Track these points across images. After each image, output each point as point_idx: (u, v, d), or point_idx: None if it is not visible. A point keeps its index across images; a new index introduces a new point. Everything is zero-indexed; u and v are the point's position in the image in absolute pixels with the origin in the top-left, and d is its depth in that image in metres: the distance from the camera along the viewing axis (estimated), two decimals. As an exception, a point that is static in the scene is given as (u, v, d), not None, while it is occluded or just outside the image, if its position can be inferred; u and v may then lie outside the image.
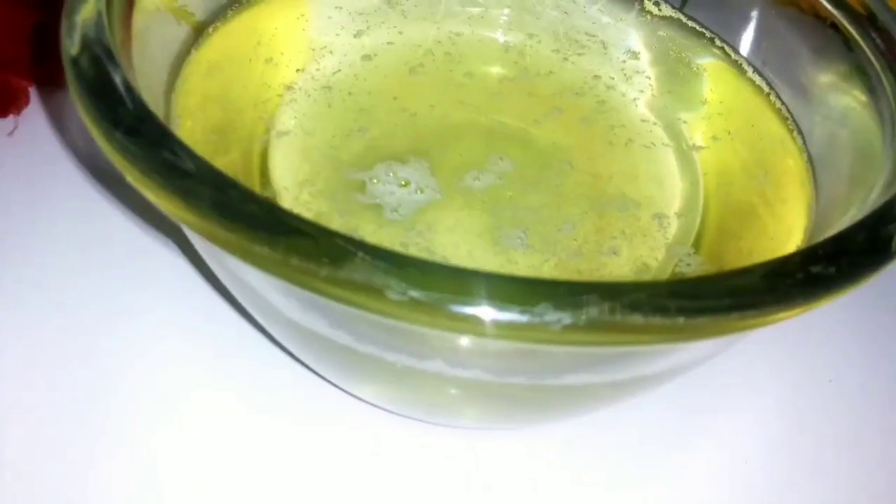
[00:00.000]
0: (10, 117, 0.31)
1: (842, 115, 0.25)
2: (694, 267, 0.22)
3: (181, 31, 0.25)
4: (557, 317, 0.13)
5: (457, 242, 0.22)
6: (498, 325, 0.13)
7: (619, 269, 0.22)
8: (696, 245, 0.23)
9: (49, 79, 0.31)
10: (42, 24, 0.31)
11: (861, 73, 0.24)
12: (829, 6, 0.26)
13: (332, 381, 0.22)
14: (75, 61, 0.16)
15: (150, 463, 0.20)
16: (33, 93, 0.31)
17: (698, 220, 0.24)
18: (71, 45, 0.16)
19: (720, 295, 0.14)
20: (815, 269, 0.15)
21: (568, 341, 0.14)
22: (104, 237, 0.25)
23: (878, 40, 0.24)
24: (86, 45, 0.17)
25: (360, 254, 0.14)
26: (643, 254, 0.22)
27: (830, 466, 0.24)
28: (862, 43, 0.24)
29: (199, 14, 0.26)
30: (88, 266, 0.25)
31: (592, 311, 0.14)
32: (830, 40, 0.26)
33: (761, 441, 0.24)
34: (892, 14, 0.24)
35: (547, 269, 0.22)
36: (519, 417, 0.22)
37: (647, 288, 0.14)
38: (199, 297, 0.24)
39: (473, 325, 0.13)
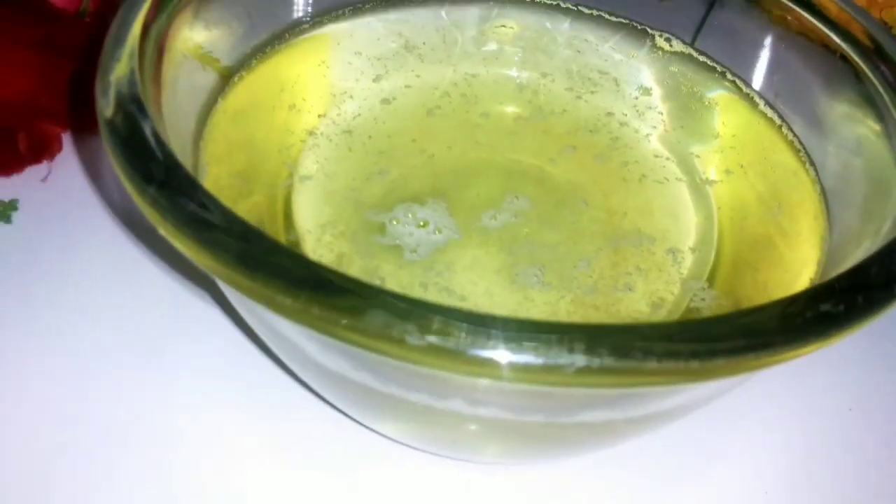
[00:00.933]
0: (44, 163, 0.32)
1: (854, 146, 0.25)
2: (709, 301, 0.23)
3: (208, 81, 0.26)
4: (571, 360, 0.14)
5: (475, 281, 0.22)
6: (513, 368, 0.14)
7: (635, 305, 0.22)
8: (711, 279, 0.23)
9: (83, 125, 0.33)
10: (78, 71, 0.32)
11: (872, 105, 0.25)
12: (837, 39, 0.26)
13: (355, 418, 0.22)
14: (110, 122, 0.17)
15: None
16: (67, 139, 0.33)
17: (713, 254, 0.24)
18: (106, 106, 0.17)
19: (733, 336, 0.15)
20: (826, 308, 0.16)
21: (582, 384, 0.14)
22: (136, 284, 0.26)
23: (887, 72, 0.24)
24: (120, 103, 0.18)
25: (378, 303, 0.14)
26: (658, 289, 0.23)
27: (851, 496, 0.24)
28: (871, 75, 0.25)
29: (224, 59, 0.27)
30: (121, 313, 0.25)
31: (606, 355, 0.14)
32: (841, 72, 0.26)
33: (781, 471, 0.24)
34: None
35: (563, 305, 0.22)
36: (538, 453, 0.23)
37: (659, 330, 0.15)
38: (231, 341, 0.24)
39: (488, 369, 0.14)
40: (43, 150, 0.32)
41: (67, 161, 0.32)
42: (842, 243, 0.23)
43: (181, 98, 0.24)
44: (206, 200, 0.16)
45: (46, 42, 0.32)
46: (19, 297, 0.26)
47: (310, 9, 0.29)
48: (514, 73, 0.30)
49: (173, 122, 0.22)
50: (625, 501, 0.23)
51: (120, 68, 0.20)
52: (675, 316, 0.22)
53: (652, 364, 0.14)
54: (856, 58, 0.26)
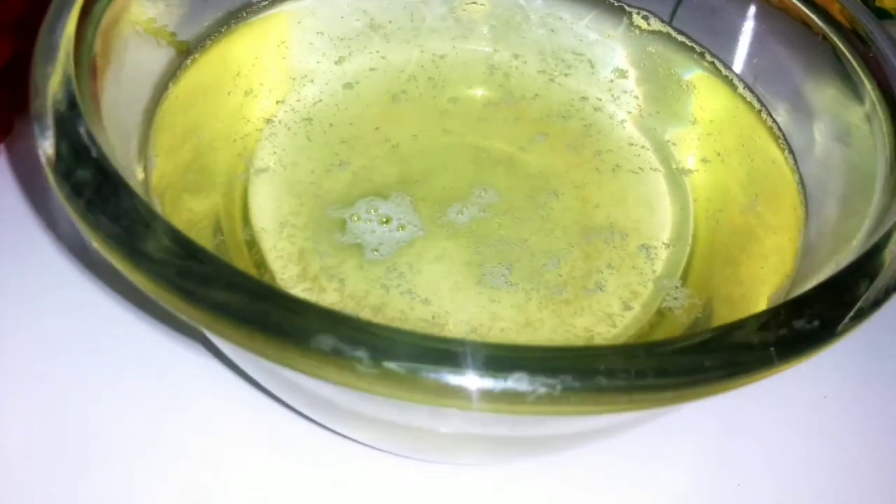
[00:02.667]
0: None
1: (835, 133, 0.24)
2: (681, 301, 0.22)
3: (158, 65, 0.25)
4: (532, 387, 0.13)
5: (439, 282, 0.21)
6: (475, 397, 0.13)
7: (605, 305, 0.22)
8: (684, 276, 0.23)
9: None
10: (19, 51, 0.30)
11: (853, 90, 0.24)
12: (817, 19, 0.25)
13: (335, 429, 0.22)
14: (60, 167, 0.15)
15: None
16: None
17: (687, 249, 0.23)
18: (47, 143, 0.15)
19: (700, 363, 0.14)
20: (790, 329, 0.15)
21: (545, 412, 0.14)
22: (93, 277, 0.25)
23: (867, 56, 0.23)
24: (55, 107, 0.17)
25: (329, 328, 0.13)
26: (630, 288, 0.22)
27: (825, 485, 0.23)
28: (851, 58, 0.24)
29: (180, 35, 0.25)
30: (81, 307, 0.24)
31: (567, 383, 0.13)
32: (822, 55, 0.25)
33: (755, 460, 0.24)
34: (881, 30, 0.23)
35: (530, 307, 0.21)
36: (508, 457, 0.22)
37: (624, 354, 0.14)
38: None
39: (449, 399, 0.13)
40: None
41: (18, 143, 0.31)
42: (820, 237, 0.22)
43: (126, 85, 0.22)
44: (142, 212, 0.15)
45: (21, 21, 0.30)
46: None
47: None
48: (484, 53, 0.28)
49: (117, 111, 0.21)
50: (610, 486, 0.22)
51: (57, 64, 0.18)
52: (647, 316, 0.22)
53: (620, 391, 0.13)
54: (836, 40, 0.25)
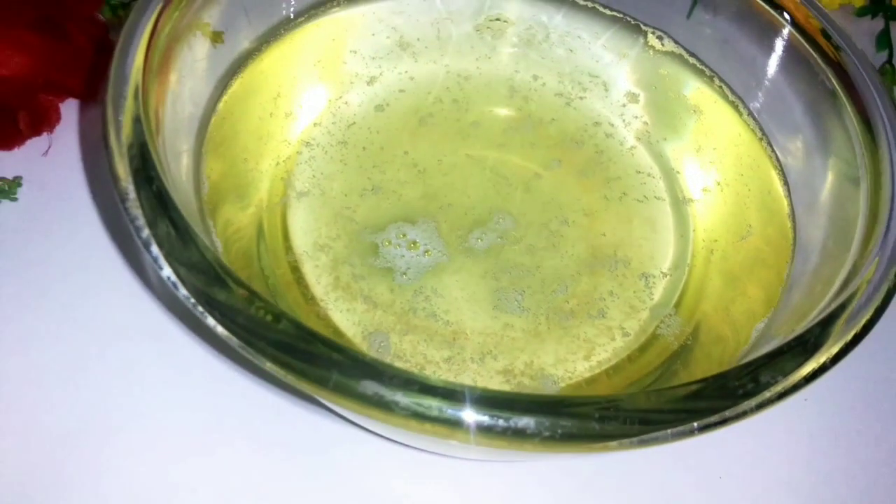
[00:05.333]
0: (44, 135, 0.33)
1: (826, 174, 0.26)
2: (673, 328, 0.25)
3: (208, 88, 0.27)
4: (532, 430, 0.16)
5: (460, 306, 0.24)
6: (480, 435, 0.16)
7: (606, 331, 0.24)
8: (677, 304, 0.25)
9: (79, 94, 0.33)
10: (75, 47, 0.32)
11: (847, 138, 0.25)
12: (822, 62, 0.27)
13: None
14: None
15: None
16: (65, 108, 0.33)
17: (683, 278, 0.26)
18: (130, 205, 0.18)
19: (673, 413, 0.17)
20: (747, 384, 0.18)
21: (544, 449, 0.17)
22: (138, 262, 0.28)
23: (858, 103, 0.25)
24: (130, 155, 0.19)
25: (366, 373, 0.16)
26: (629, 315, 0.25)
27: (803, 484, 0.26)
28: (849, 108, 0.25)
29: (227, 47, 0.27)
30: (129, 290, 0.27)
31: (561, 428, 0.16)
32: (823, 96, 0.27)
33: (736, 460, 0.26)
34: (881, 87, 0.25)
35: (541, 332, 0.24)
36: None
37: (616, 404, 0.17)
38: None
39: (463, 438, 0.16)
40: (42, 123, 0.33)
41: (66, 131, 0.33)
42: (803, 275, 0.25)
43: (181, 112, 0.25)
44: (218, 269, 0.18)
45: (45, 22, 0.32)
46: (28, 277, 0.28)
47: (306, 3, 0.30)
48: (506, 74, 0.30)
49: (175, 139, 0.24)
50: (603, 485, 0.25)
51: (127, 107, 0.21)
52: (641, 341, 0.24)
53: (610, 439, 0.16)
54: (836, 84, 0.26)
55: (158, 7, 0.23)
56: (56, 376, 0.25)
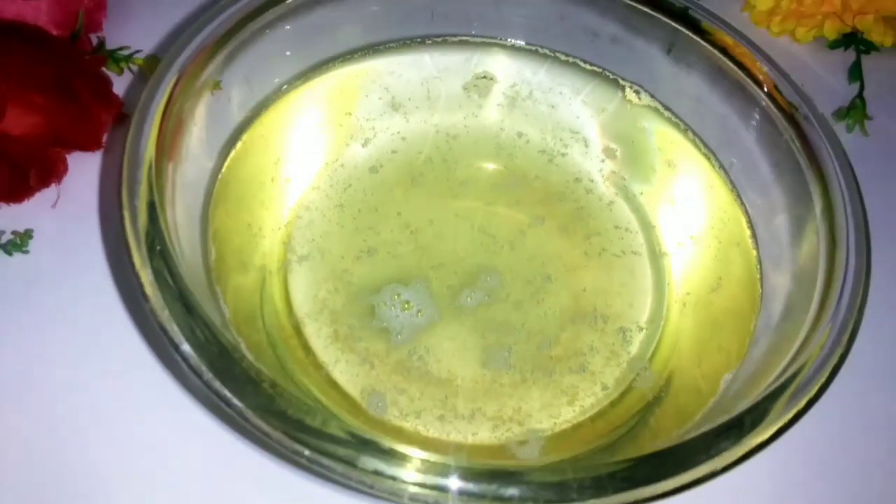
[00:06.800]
0: (52, 186, 0.35)
1: (790, 233, 0.28)
2: (648, 382, 0.27)
3: (212, 156, 0.29)
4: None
5: (451, 365, 0.26)
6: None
7: (587, 385, 0.27)
8: (652, 357, 0.27)
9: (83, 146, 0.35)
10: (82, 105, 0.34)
11: (808, 203, 0.27)
12: (786, 123, 0.29)
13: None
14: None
15: None
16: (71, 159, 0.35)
17: (658, 332, 0.28)
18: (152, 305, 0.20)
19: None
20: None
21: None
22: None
23: (821, 175, 0.27)
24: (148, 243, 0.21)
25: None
26: (607, 370, 0.27)
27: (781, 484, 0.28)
28: (811, 173, 0.27)
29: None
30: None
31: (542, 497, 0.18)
32: (787, 154, 0.29)
33: None
34: (839, 155, 0.27)
35: (525, 388, 0.26)
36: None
37: (590, 470, 0.19)
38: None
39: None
40: (50, 175, 0.35)
41: (74, 181, 0.35)
42: (767, 329, 0.27)
43: (189, 183, 0.27)
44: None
45: (57, 83, 0.34)
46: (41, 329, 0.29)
47: (302, 66, 0.31)
48: (492, 132, 0.32)
49: (185, 210, 0.25)
50: None
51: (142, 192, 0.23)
52: (617, 393, 0.27)
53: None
54: (798, 146, 0.28)
55: (169, 89, 0.25)
56: (58, 432, 0.27)
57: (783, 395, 0.20)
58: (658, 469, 0.19)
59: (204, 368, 0.19)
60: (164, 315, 0.21)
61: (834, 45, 0.45)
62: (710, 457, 0.19)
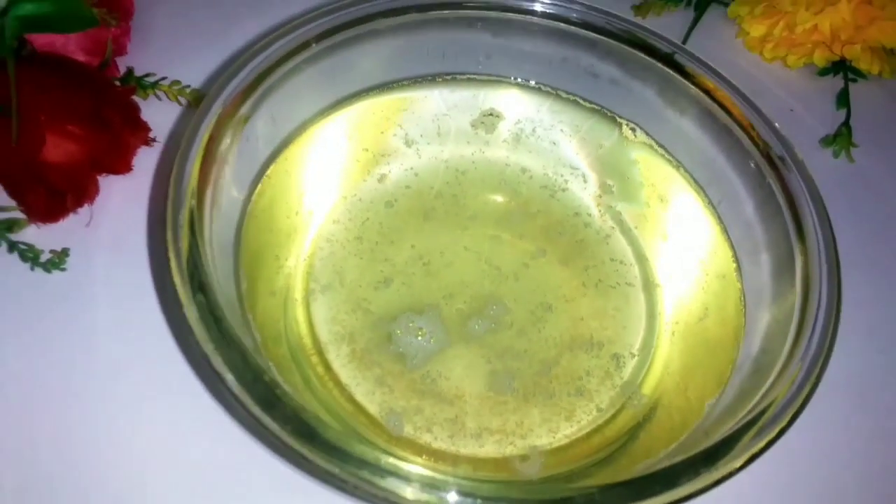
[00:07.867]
0: (86, 206, 0.37)
1: (771, 269, 0.31)
2: (639, 406, 0.29)
3: (241, 191, 0.31)
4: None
5: (460, 388, 0.29)
6: None
7: (582, 409, 0.29)
8: (643, 383, 0.30)
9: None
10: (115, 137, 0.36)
11: (788, 246, 0.30)
12: (770, 168, 0.31)
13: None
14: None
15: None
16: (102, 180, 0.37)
17: (649, 359, 0.31)
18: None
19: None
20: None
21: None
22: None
23: (798, 221, 0.30)
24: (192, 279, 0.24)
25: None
26: (601, 393, 0.30)
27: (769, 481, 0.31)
28: (790, 220, 0.30)
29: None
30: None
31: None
32: (768, 195, 0.31)
33: None
34: (817, 205, 0.29)
35: (527, 410, 0.29)
36: None
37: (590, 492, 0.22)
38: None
39: None
40: (84, 197, 0.37)
41: (105, 201, 0.37)
42: (747, 359, 0.29)
43: (223, 216, 0.29)
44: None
45: (91, 113, 0.36)
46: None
47: (322, 104, 0.34)
48: (498, 168, 0.35)
49: (218, 239, 0.28)
50: None
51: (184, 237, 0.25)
52: (609, 415, 0.29)
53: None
54: (779, 188, 0.31)
55: (209, 131, 0.27)
56: (96, 444, 0.29)
57: (755, 426, 0.23)
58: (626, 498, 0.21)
59: (249, 401, 0.22)
60: (210, 349, 0.23)
61: (823, 72, 0.47)
62: (687, 481, 0.22)
